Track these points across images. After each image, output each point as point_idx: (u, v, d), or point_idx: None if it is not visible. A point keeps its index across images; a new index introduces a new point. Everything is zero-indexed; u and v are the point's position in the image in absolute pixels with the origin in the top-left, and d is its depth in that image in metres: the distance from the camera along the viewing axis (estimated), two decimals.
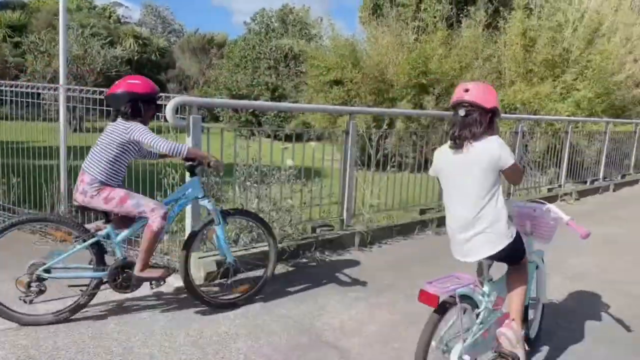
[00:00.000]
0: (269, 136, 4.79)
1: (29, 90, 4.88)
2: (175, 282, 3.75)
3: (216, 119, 19.77)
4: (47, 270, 2.97)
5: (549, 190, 8.23)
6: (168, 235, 4.16)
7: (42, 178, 4.86)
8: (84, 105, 4.77)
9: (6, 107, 5.05)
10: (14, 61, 18.75)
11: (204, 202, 3.31)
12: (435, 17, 11.82)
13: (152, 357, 2.71)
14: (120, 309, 3.25)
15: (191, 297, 3.33)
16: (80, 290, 3.06)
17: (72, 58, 15.41)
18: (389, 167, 5.31)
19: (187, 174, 3.36)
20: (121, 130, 3.04)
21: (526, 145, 8.00)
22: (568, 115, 9.91)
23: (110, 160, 3.06)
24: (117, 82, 3.23)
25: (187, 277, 3.27)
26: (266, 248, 4.10)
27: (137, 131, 3.01)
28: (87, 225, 3.22)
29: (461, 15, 12.32)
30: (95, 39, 18.05)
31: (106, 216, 3.13)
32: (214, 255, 3.90)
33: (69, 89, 4.90)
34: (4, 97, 4.99)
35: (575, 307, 3.75)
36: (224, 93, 18.98)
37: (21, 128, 5.05)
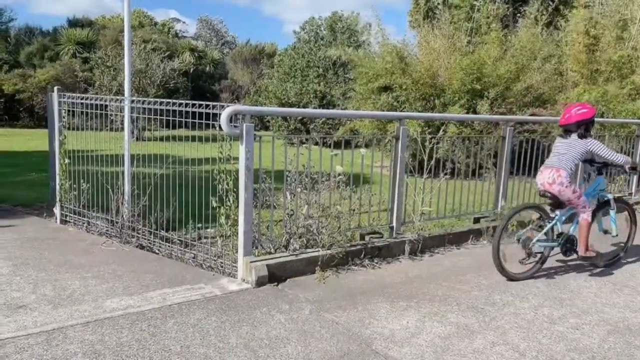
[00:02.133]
0: (317, 143, 4.84)
1: (97, 102, 5.22)
2: (229, 285, 3.88)
3: (266, 127, 20.20)
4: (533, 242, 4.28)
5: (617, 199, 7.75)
6: (222, 240, 4.32)
7: (108, 183, 5.17)
8: (146, 116, 5.04)
9: (77, 118, 5.43)
10: (83, 76, 20.04)
11: (603, 194, 4.63)
12: (489, 17, 11.53)
13: (207, 356, 2.81)
14: (176, 309, 3.39)
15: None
16: (536, 256, 4.35)
17: (135, 72, 16.29)
18: (441, 174, 5.22)
19: (596, 172, 4.74)
20: (582, 144, 4.28)
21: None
22: (639, 118, 9.34)
23: (575, 163, 4.33)
24: (565, 112, 4.41)
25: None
26: (315, 253, 4.17)
27: (595, 145, 4.28)
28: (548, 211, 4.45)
29: (517, 14, 11.94)
30: (156, 53, 18.98)
31: (559, 204, 4.35)
32: (265, 259, 4.00)
33: (132, 101, 5.20)
34: (75, 109, 5.37)
35: None
36: (274, 102, 19.36)
37: (89, 137, 5.40)
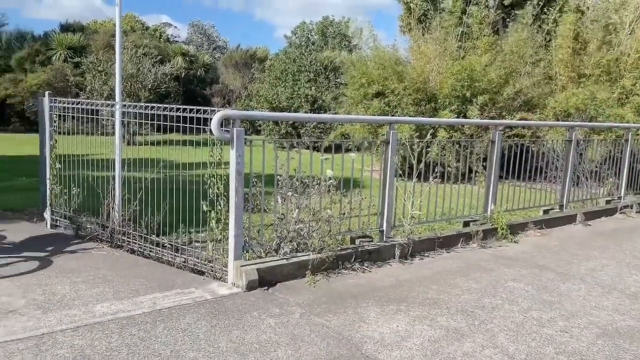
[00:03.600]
0: (308, 147, 4.87)
1: (88, 107, 5.21)
2: (219, 289, 3.88)
3: (258, 131, 20.22)
4: None
5: (607, 202, 7.85)
6: (212, 244, 4.32)
7: (99, 188, 5.16)
8: (137, 120, 5.04)
9: (68, 123, 5.41)
10: (74, 80, 19.93)
11: None
12: (481, 22, 11.63)
13: None
14: (166, 314, 3.38)
15: None
16: None
17: (127, 76, 16.24)
18: (431, 178, 5.26)
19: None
20: None
21: (581, 154, 7.69)
22: (627, 122, 9.46)
23: None
24: None
25: None
26: (306, 257, 4.18)
27: None
28: None
29: (508, 19, 12.07)
30: (147, 58, 18.93)
31: None
32: (255, 263, 4.00)
33: (124, 105, 5.20)
34: (66, 114, 5.36)
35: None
36: (265, 106, 19.39)
37: (81, 141, 5.38)
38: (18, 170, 10.10)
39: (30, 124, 21.24)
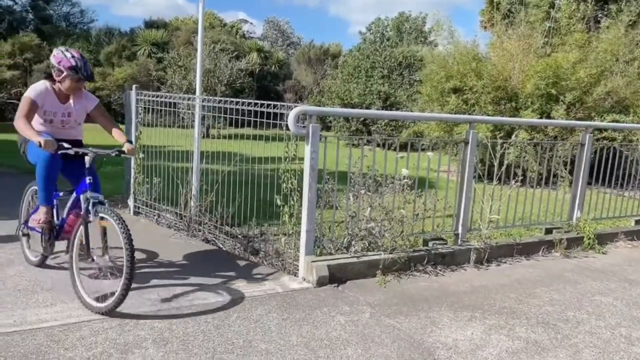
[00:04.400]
0: (379, 145, 4.78)
1: (170, 100, 5.45)
2: (290, 283, 3.91)
3: (327, 127, 20.29)
4: None
5: None
6: (284, 238, 4.37)
7: (178, 178, 5.39)
8: (214, 114, 5.20)
9: (150, 115, 5.70)
10: (156, 75, 21.10)
11: None
12: (571, 17, 10.87)
13: (268, 352, 2.84)
14: (239, 304, 3.46)
15: None
16: None
17: (204, 71, 16.91)
18: (512, 181, 4.98)
19: None
20: None
21: None
22: None
23: None
24: None
25: None
26: (377, 257, 4.11)
27: None
28: None
29: (600, 15, 11.19)
30: (224, 53, 19.60)
31: None
32: (326, 259, 3.99)
33: (203, 99, 5.39)
34: (149, 106, 5.65)
35: None
36: (337, 102, 19.39)
37: (161, 134, 5.65)
38: (104, 159, 10.81)
39: (116, 115, 22.74)
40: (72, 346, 2.77)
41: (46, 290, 3.52)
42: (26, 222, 3.97)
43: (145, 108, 5.71)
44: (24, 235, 4.06)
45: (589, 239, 5.40)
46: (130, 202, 5.93)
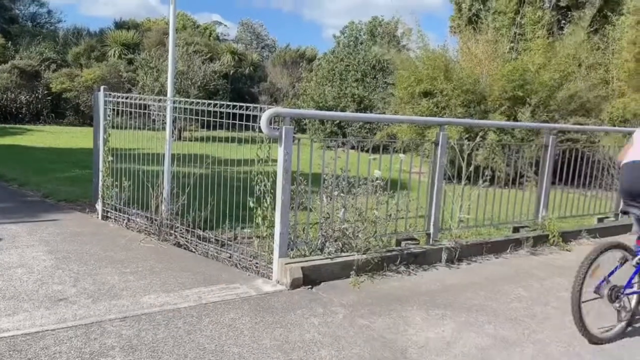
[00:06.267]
0: (353, 147, 4.82)
1: (140, 102, 5.36)
2: (263, 286, 3.90)
3: (303, 130, 20.28)
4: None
5: None
6: (258, 241, 4.35)
7: (148, 181, 5.30)
8: (186, 116, 5.14)
9: (120, 117, 5.59)
10: (127, 76, 20.67)
11: None
12: (535, 24, 11.20)
13: (241, 356, 2.82)
14: (211, 308, 3.42)
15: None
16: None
17: (177, 73, 16.68)
18: (480, 181, 5.09)
19: None
20: None
21: None
22: None
23: None
24: None
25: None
26: (351, 258, 4.13)
27: None
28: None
29: (563, 21, 11.57)
30: (197, 55, 19.36)
31: None
32: (300, 261, 3.99)
33: (174, 101, 5.31)
34: (119, 108, 5.54)
35: None
36: (311, 105, 19.40)
37: (131, 136, 5.55)
38: (72, 162, 10.57)
39: (85, 117, 22.19)
40: (35, 356, 2.68)
41: (8, 299, 3.40)
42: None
43: (114, 110, 5.60)
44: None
45: (554, 236, 5.56)
46: (99, 206, 5.80)
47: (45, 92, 22.31)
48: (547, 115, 10.09)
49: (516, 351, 3.10)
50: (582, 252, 5.51)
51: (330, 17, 79.04)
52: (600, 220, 6.62)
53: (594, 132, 9.34)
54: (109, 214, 5.70)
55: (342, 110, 18.29)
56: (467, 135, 8.47)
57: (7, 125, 20.02)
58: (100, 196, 5.76)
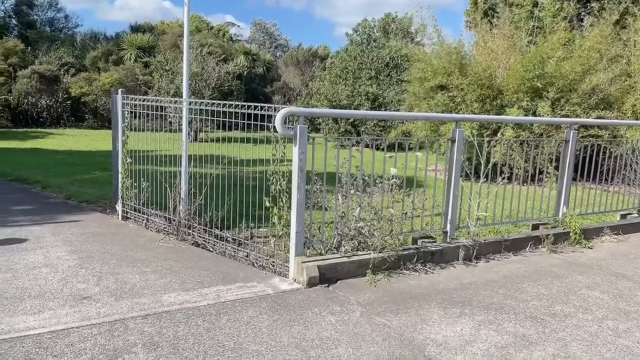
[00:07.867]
0: (367, 146, 4.81)
1: (157, 103, 5.43)
2: (280, 284, 3.92)
3: (316, 129, 20.30)
4: None
5: None
6: (274, 240, 4.37)
7: (166, 182, 5.37)
8: (202, 117, 5.19)
9: (137, 120, 5.68)
10: (143, 79, 20.96)
11: None
12: (555, 16, 11.00)
13: (259, 354, 2.85)
14: (230, 306, 3.46)
15: None
16: None
17: (192, 75, 16.84)
18: (498, 178, 5.04)
19: None
20: None
21: None
22: None
23: None
24: None
25: None
26: (367, 256, 4.13)
27: None
28: None
29: (583, 13, 11.34)
30: (211, 57, 19.54)
31: None
32: (316, 260, 4.01)
33: (190, 103, 5.37)
34: (136, 111, 5.62)
35: None
36: (325, 104, 19.41)
37: (149, 138, 5.63)
38: (92, 164, 10.77)
39: (103, 120, 22.60)
40: (61, 353, 2.75)
41: (33, 298, 3.49)
42: None
43: (131, 112, 5.68)
44: None
45: (575, 234, 5.47)
46: (119, 207, 5.89)
47: (65, 96, 22.76)
48: (568, 110, 9.93)
49: (537, 350, 3.07)
50: (604, 249, 5.45)
51: (342, 15, 79.04)
52: (623, 216, 6.49)
53: (615, 126, 9.16)
54: (128, 215, 5.79)
55: (356, 108, 18.25)
56: (485, 132, 8.38)
57: (29, 130, 20.49)
58: (120, 197, 5.85)
